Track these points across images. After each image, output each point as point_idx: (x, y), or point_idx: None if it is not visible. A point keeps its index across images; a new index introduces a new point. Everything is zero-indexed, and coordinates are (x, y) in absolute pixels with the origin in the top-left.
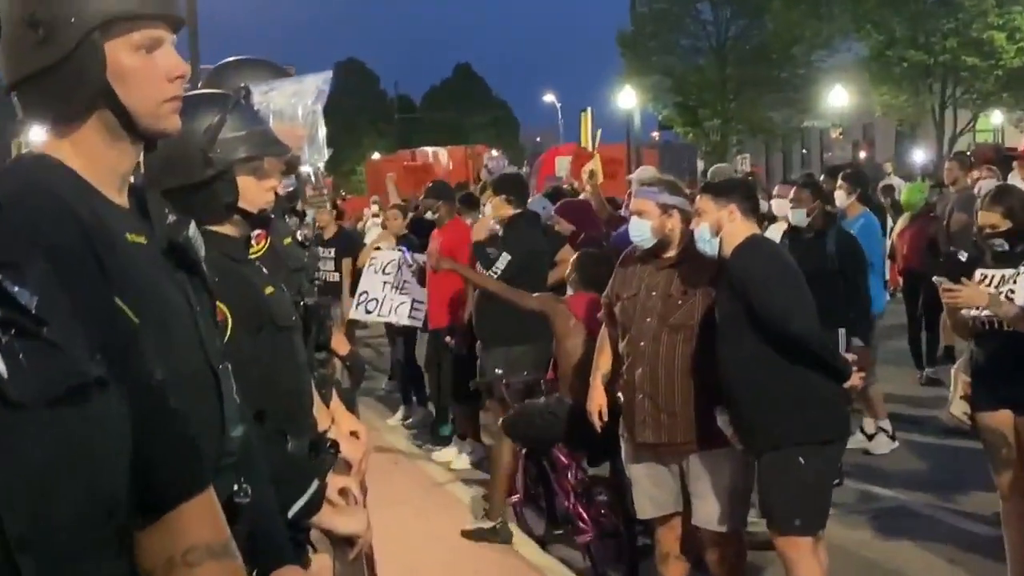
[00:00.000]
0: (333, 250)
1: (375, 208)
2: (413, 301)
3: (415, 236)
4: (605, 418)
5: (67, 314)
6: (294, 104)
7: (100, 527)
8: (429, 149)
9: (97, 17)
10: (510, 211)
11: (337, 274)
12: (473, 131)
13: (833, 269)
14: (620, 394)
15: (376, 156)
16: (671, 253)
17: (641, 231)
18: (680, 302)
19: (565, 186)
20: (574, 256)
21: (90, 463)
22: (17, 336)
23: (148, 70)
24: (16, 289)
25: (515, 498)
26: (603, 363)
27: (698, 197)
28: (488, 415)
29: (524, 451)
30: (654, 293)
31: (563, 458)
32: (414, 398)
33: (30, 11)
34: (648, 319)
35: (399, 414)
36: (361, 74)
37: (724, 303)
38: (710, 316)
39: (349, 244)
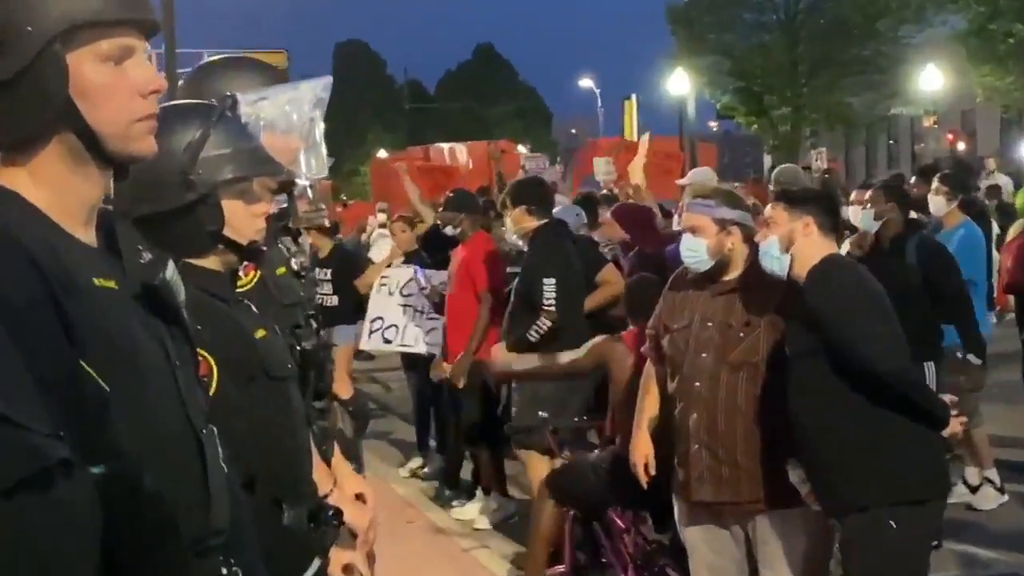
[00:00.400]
0: (330, 271)
1: (382, 216)
2: (433, 329)
3: (426, 253)
4: (652, 471)
5: (24, 384)
6: (288, 114)
7: None
8: (445, 145)
9: (58, 24)
10: (533, 223)
11: (335, 298)
12: (497, 123)
13: (915, 287)
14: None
15: (383, 154)
16: (730, 276)
17: (695, 251)
18: (742, 334)
19: (605, 191)
20: (629, 281)
21: (54, 560)
22: None
23: (117, 84)
24: None
25: (559, 569)
26: (649, 406)
27: (769, 205)
28: (529, 465)
29: (572, 514)
30: (710, 324)
31: (620, 521)
32: (432, 443)
33: None
34: (703, 355)
35: (412, 462)
36: (364, 57)
37: (797, 336)
38: (778, 351)
39: (349, 262)
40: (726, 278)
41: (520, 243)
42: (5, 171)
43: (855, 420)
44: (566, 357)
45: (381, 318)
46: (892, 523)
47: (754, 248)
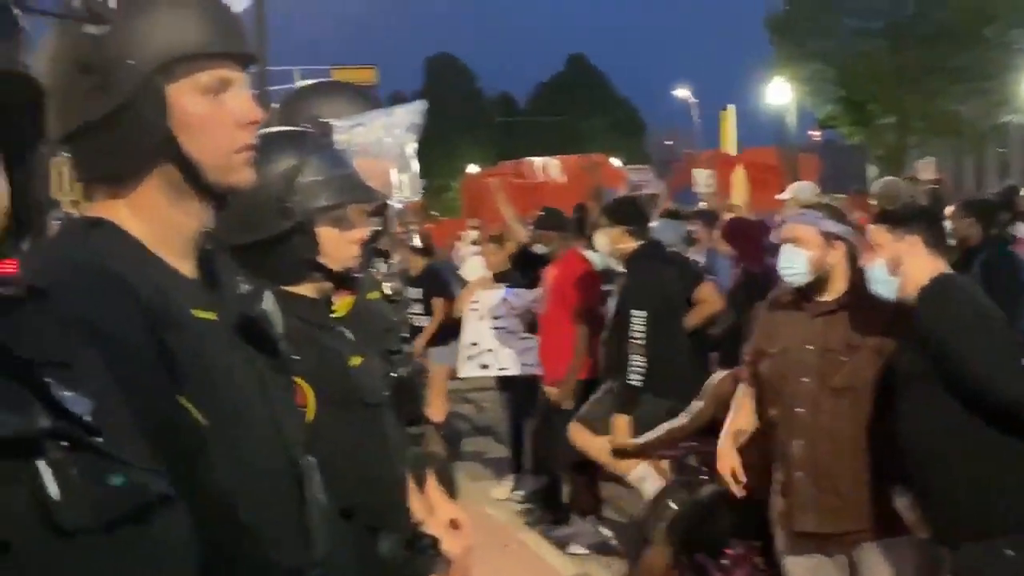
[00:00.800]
0: (421, 291)
1: (473, 233)
2: (527, 349)
3: (519, 272)
4: (742, 479)
5: (124, 419)
6: (382, 139)
7: None
8: (538, 160)
9: (158, 58)
10: (632, 244)
11: (427, 318)
12: (589, 136)
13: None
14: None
15: (473, 169)
16: (830, 296)
17: (795, 263)
18: (844, 358)
19: (703, 204)
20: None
21: None
22: (69, 450)
23: (216, 116)
24: (67, 394)
25: None
26: (740, 420)
27: (871, 227)
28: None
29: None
30: (810, 347)
31: (732, 552)
32: (526, 464)
33: (82, 53)
34: (804, 379)
35: (506, 483)
36: (454, 71)
37: (909, 359)
38: (883, 375)
39: (440, 283)
40: (824, 298)
41: (613, 263)
42: (107, 204)
43: (971, 446)
44: (684, 417)
45: (476, 343)
46: (1010, 551)
47: (856, 268)
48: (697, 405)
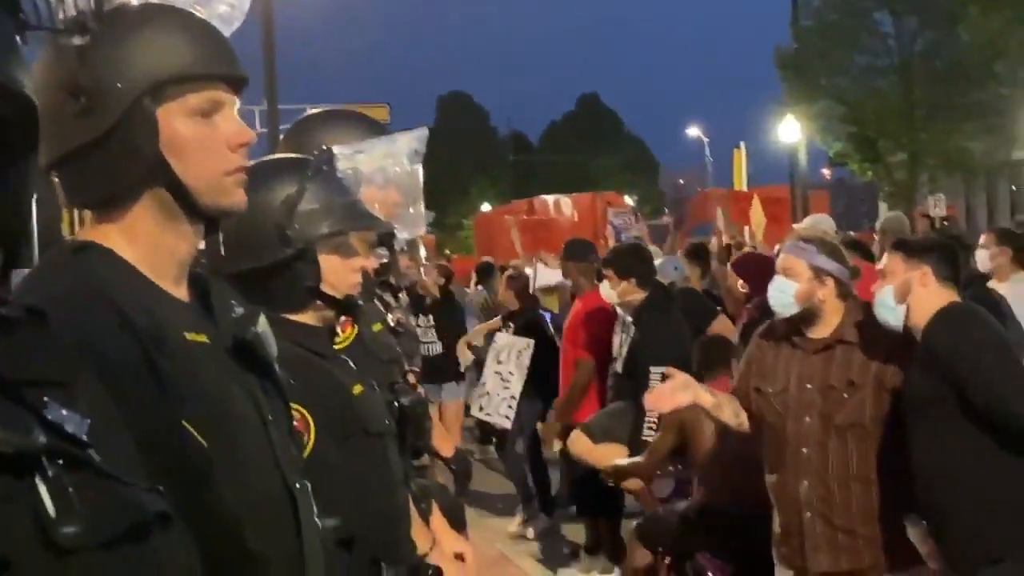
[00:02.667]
0: (433, 317)
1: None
2: (511, 397)
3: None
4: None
5: (122, 439)
6: (385, 167)
7: None
8: (550, 198)
9: (148, 79)
10: (640, 295)
11: (439, 345)
12: (603, 175)
13: None
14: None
15: (486, 207)
16: (823, 332)
17: (783, 294)
18: (846, 395)
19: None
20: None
21: None
22: (66, 468)
23: (207, 138)
24: (64, 413)
25: None
26: (725, 400)
27: (885, 255)
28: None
29: (667, 557)
30: (809, 386)
31: (708, 567)
32: (535, 499)
33: (70, 76)
34: (807, 419)
35: (518, 519)
36: (467, 109)
37: (919, 388)
38: (887, 408)
39: (453, 313)
40: (817, 335)
41: (621, 312)
42: (98, 228)
43: (986, 471)
44: (645, 447)
45: (484, 383)
46: None
47: (851, 305)
48: (664, 442)
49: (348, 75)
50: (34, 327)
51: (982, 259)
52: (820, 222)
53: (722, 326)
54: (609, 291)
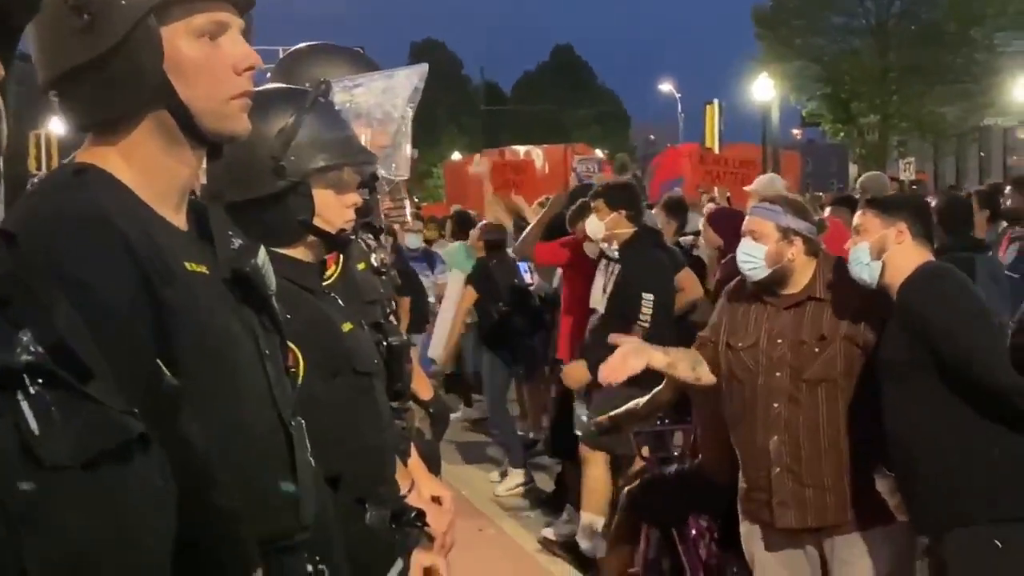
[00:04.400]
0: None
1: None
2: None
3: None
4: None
5: (101, 365)
6: (382, 104)
7: None
8: (520, 148)
9: None
10: (629, 230)
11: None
12: (574, 127)
13: None
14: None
15: (457, 156)
16: (794, 289)
17: (752, 257)
18: (817, 350)
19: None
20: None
21: (133, 533)
22: (47, 387)
23: (212, 61)
24: (43, 332)
25: (633, 572)
26: (681, 356)
27: (859, 212)
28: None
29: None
30: (780, 341)
31: (694, 528)
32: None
33: None
34: (778, 374)
35: (491, 469)
36: (440, 57)
37: (893, 346)
38: (858, 364)
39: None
40: (789, 291)
41: (605, 247)
42: (97, 151)
43: (960, 432)
44: (644, 399)
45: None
46: (997, 542)
47: (822, 261)
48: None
49: (321, 19)
50: (6, 248)
51: None
52: (773, 181)
53: (686, 278)
54: (596, 224)
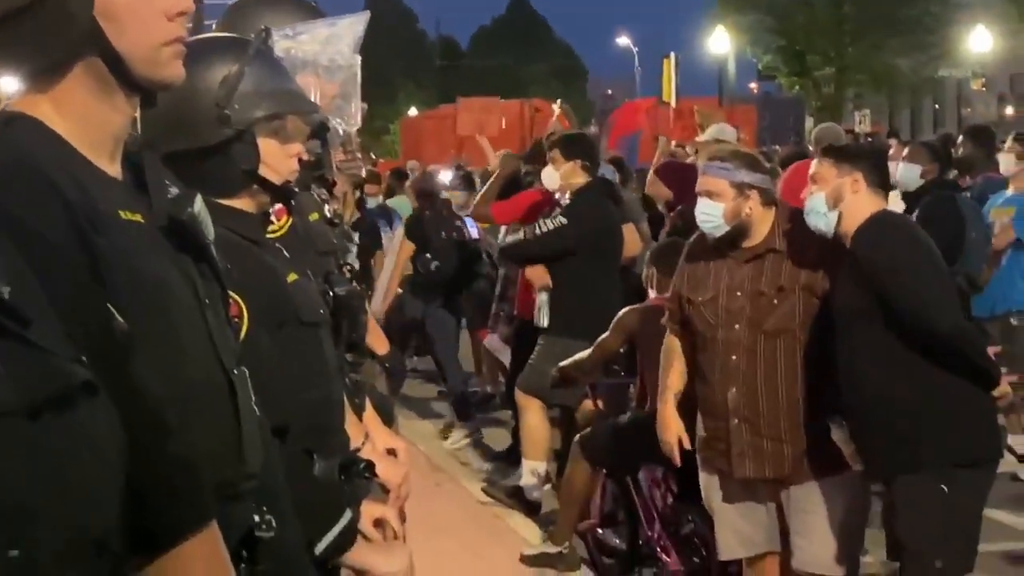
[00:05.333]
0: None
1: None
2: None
3: None
4: (687, 445)
5: (45, 311)
6: (326, 53)
7: (87, 564)
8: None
9: None
10: (583, 180)
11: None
12: (532, 82)
13: None
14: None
15: (413, 112)
16: (754, 242)
17: (711, 215)
18: (776, 301)
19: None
20: (653, 247)
21: (78, 483)
22: None
23: (143, 6)
24: None
25: (589, 522)
26: (674, 381)
27: (815, 161)
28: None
29: (605, 472)
30: (739, 293)
31: (649, 479)
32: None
33: None
34: (736, 326)
35: (444, 423)
36: (395, 12)
37: (846, 295)
38: (816, 314)
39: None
40: (748, 244)
41: (559, 196)
42: (29, 100)
43: (908, 379)
44: (590, 357)
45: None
46: (944, 487)
47: (779, 212)
48: (602, 340)
49: None
50: None
51: (1006, 163)
52: (721, 131)
53: (628, 234)
54: (552, 174)
